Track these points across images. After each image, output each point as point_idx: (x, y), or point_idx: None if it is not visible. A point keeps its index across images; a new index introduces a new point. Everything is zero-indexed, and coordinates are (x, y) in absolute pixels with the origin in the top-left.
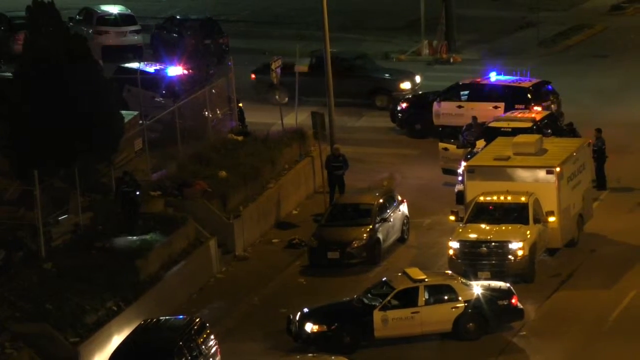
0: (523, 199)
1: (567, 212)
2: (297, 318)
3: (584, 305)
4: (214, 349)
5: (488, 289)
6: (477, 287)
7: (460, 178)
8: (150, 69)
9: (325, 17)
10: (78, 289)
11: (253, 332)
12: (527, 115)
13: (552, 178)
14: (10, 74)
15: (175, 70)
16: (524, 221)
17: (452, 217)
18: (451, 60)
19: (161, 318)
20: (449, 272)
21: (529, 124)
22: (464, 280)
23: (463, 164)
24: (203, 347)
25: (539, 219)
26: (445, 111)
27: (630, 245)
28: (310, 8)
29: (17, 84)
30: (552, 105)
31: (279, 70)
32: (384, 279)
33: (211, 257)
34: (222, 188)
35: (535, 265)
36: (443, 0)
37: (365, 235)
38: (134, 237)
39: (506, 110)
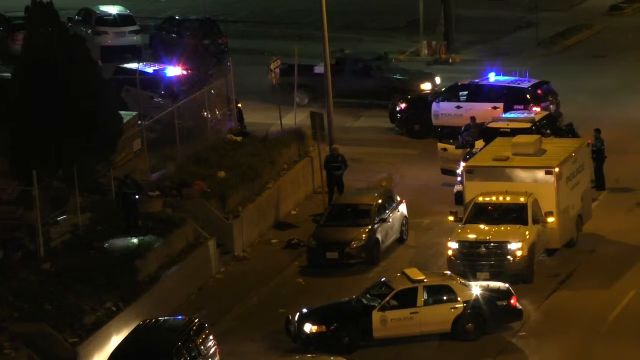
0: (522, 199)
1: (566, 213)
2: (296, 318)
3: (583, 305)
4: (213, 349)
5: (487, 289)
6: (476, 288)
7: (459, 178)
8: (149, 69)
9: (324, 17)
10: (77, 289)
11: (252, 332)
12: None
13: (551, 178)
14: (8, 74)
15: (174, 71)
16: (523, 222)
17: (451, 218)
18: (450, 60)
19: (160, 318)
20: (448, 272)
21: (528, 125)
22: (462, 281)
23: (462, 164)
24: (202, 347)
25: (538, 220)
26: (444, 111)
27: (629, 246)
28: (309, 8)
29: (16, 84)
30: (551, 106)
31: (277, 70)
32: (382, 280)
33: (210, 258)
34: (221, 188)
35: (534, 266)
36: (442, 1)
37: (364, 235)
38: (133, 239)
39: (505, 110)
